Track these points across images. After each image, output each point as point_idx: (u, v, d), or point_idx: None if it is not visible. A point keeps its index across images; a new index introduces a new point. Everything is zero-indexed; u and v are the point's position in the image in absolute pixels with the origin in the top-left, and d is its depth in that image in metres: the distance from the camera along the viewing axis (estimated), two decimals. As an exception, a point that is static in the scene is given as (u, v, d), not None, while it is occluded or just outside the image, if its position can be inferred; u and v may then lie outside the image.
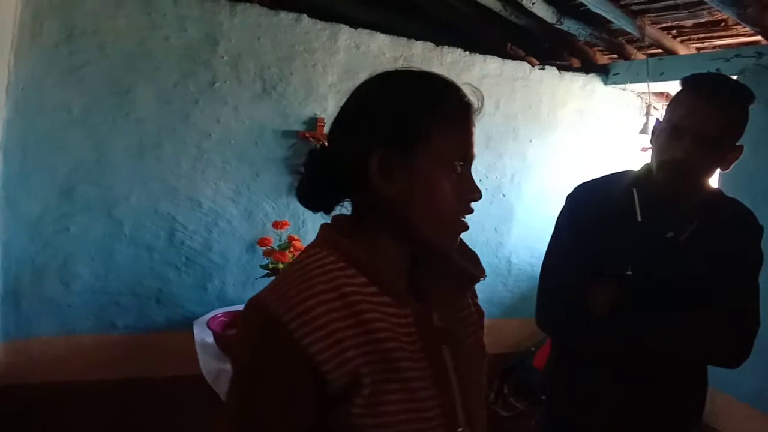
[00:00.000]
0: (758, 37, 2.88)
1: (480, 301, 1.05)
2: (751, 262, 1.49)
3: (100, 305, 3.03)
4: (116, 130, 2.94)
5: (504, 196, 3.92)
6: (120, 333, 3.09)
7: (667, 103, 1.47)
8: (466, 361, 0.93)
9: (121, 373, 3.00)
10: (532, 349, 3.68)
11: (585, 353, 1.54)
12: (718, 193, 1.53)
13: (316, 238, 0.91)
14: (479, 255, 0.98)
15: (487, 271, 0.97)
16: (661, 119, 1.48)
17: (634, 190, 1.50)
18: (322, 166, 0.91)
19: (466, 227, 0.90)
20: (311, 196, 0.93)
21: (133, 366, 3.04)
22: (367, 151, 0.84)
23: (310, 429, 0.82)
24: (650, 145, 1.51)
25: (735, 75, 2.92)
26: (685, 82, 1.43)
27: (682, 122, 1.37)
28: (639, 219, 1.47)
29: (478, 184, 0.88)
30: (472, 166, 0.90)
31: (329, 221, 0.93)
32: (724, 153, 1.40)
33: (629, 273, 1.45)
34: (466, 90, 0.90)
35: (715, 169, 1.43)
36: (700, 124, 1.35)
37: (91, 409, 2.77)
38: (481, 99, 0.89)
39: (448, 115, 0.86)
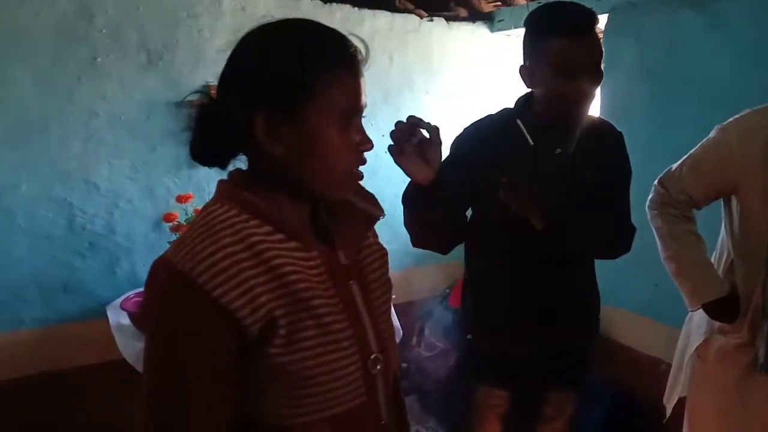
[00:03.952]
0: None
1: (394, 252, 1.12)
2: (628, 173, 1.73)
3: (2, 302, 2.86)
4: (-7, 117, 2.73)
5: (407, 148, 3.99)
6: (29, 328, 2.93)
7: (540, 45, 1.58)
8: (373, 293, 1.00)
9: (36, 368, 2.87)
10: (447, 290, 3.86)
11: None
12: (590, 115, 1.71)
13: (215, 194, 0.92)
14: (390, 209, 1.04)
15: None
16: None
17: (518, 120, 1.66)
18: (212, 123, 0.91)
19: (360, 177, 0.93)
20: (203, 152, 0.94)
21: (50, 359, 2.91)
22: (252, 110, 0.84)
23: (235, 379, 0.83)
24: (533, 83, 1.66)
25: (606, 12, 3.12)
26: (550, 21, 1.62)
27: (578, 57, 1.51)
28: (531, 143, 1.63)
29: (381, 140, 0.92)
30: (374, 121, 0.93)
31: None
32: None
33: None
34: (351, 39, 0.90)
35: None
36: (596, 52, 1.53)
37: (11, 408, 2.65)
38: (366, 48, 0.91)
39: (332, 67, 0.86)
